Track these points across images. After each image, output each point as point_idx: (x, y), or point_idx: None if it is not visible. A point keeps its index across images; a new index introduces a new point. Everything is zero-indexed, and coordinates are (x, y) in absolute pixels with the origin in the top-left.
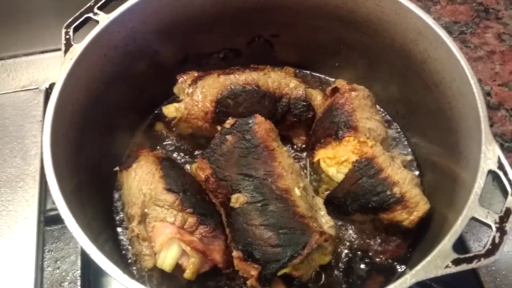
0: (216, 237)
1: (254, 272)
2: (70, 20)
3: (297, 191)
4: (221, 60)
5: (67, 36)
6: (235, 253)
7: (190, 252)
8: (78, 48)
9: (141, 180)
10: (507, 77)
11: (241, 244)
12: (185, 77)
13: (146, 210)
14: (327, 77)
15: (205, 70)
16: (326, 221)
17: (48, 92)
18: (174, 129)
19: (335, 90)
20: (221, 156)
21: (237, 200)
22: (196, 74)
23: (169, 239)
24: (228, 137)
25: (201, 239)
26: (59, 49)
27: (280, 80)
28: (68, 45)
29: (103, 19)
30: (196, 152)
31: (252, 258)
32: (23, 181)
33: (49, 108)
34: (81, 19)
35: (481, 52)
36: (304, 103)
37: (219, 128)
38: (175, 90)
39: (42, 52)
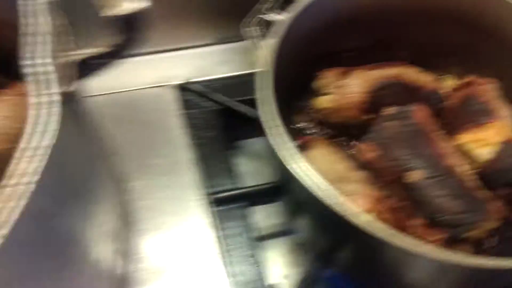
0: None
1: (440, 236)
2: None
3: (461, 169)
4: (349, 58)
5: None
6: (417, 221)
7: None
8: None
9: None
10: None
11: (425, 214)
12: (330, 73)
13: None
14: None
15: (337, 67)
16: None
17: (181, 88)
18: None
19: (469, 83)
20: (387, 139)
21: (413, 175)
22: (341, 70)
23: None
24: (389, 123)
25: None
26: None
27: (415, 75)
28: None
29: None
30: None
31: (437, 224)
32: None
33: None
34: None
35: None
36: (437, 95)
37: (368, 118)
38: (318, 84)
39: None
